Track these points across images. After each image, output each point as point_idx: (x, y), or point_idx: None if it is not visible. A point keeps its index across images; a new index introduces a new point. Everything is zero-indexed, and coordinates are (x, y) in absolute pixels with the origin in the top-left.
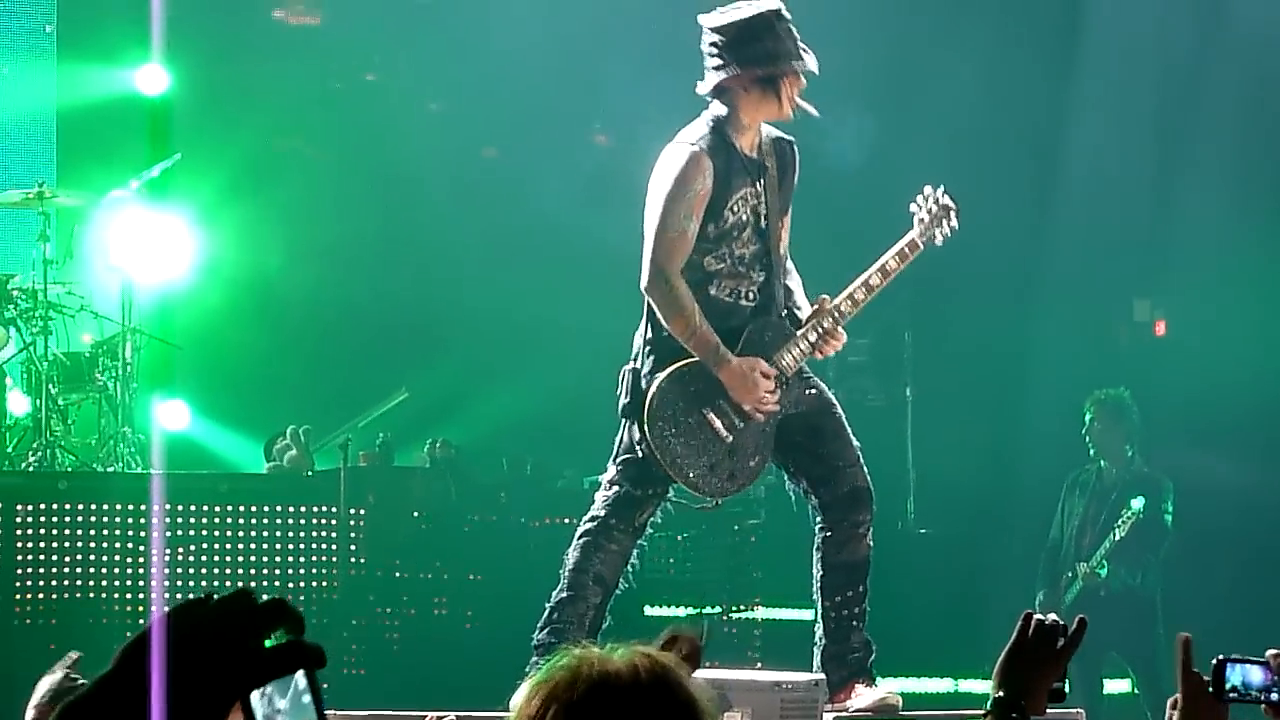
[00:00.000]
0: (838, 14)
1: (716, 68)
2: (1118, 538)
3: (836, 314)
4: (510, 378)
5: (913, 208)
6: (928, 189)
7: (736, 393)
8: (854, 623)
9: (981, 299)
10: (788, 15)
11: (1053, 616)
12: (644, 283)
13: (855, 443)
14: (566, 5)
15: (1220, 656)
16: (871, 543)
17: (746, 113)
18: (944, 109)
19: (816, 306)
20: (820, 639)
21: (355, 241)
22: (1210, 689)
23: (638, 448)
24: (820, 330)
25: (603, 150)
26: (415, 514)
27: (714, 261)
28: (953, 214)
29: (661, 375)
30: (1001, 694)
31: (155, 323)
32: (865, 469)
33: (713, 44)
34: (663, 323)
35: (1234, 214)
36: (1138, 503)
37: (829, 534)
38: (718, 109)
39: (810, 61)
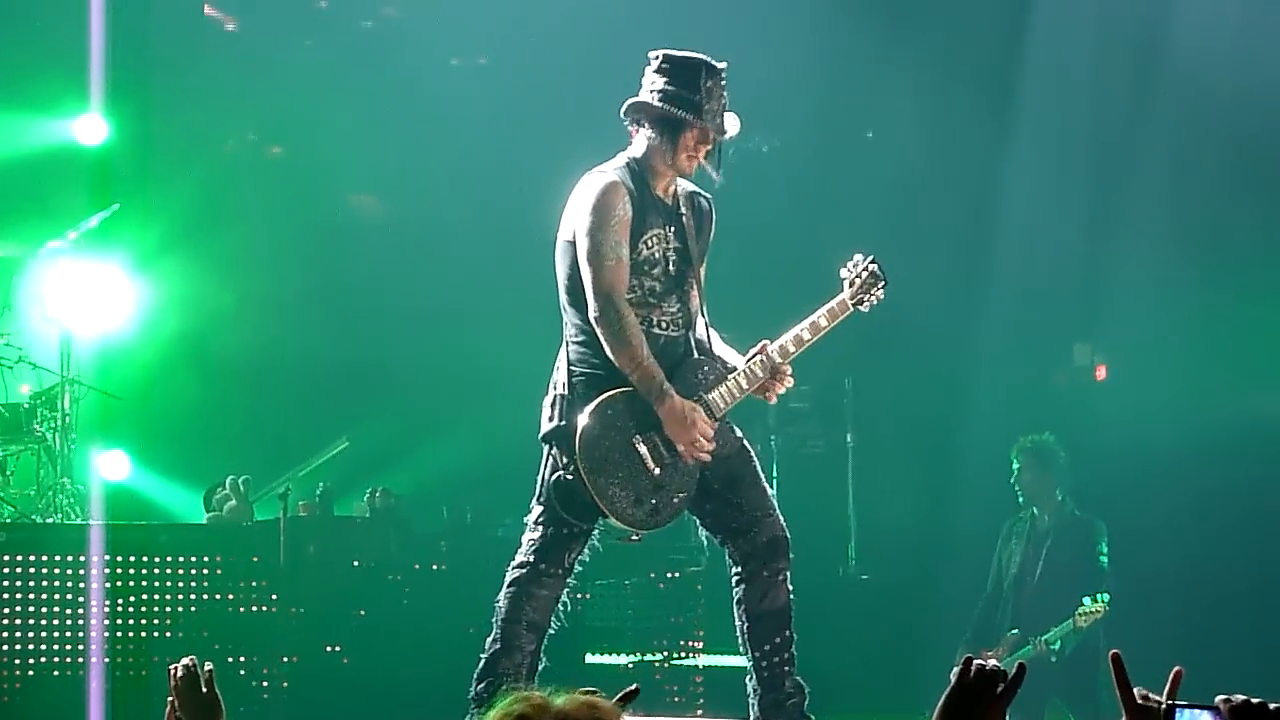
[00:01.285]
0: (776, 62)
1: (640, 93)
2: (1078, 626)
3: (767, 361)
4: (450, 426)
5: (843, 273)
6: (858, 256)
7: (672, 430)
8: (785, 669)
9: (922, 345)
10: (722, 75)
11: (993, 662)
12: (593, 314)
13: (770, 490)
14: (507, 58)
15: (1170, 702)
16: (791, 588)
17: (653, 155)
18: (882, 156)
19: (756, 350)
20: (754, 688)
21: (294, 291)
22: (1149, 701)
23: (565, 472)
24: (752, 375)
25: (540, 202)
26: (355, 563)
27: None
28: (880, 285)
29: (594, 401)
30: None
31: (94, 373)
32: (781, 516)
33: (647, 72)
34: (605, 352)
35: (1172, 258)
36: (1103, 598)
37: (748, 585)
38: (633, 151)
39: (729, 125)
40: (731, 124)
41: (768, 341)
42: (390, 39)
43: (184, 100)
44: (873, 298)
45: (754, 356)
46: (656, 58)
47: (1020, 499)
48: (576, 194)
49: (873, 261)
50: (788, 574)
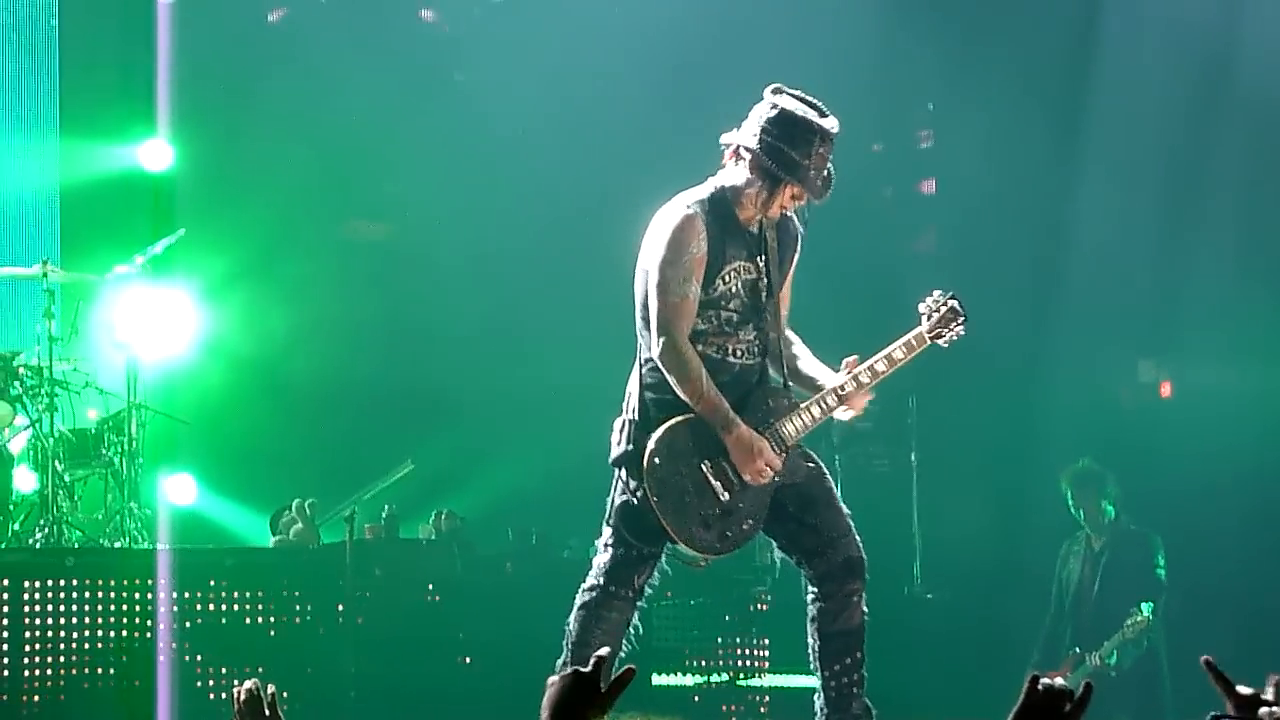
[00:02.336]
0: (847, 85)
1: (747, 133)
2: (1127, 638)
3: (840, 393)
4: (514, 448)
5: (921, 308)
6: (937, 293)
7: (738, 460)
8: (854, 690)
9: (986, 362)
10: (833, 140)
11: (1059, 680)
12: (656, 351)
13: (846, 510)
14: (575, 85)
15: (1213, 714)
16: (866, 609)
17: (743, 194)
18: (951, 172)
19: (833, 382)
20: (822, 708)
21: (360, 315)
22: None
23: (633, 496)
24: (824, 405)
25: (601, 224)
26: (422, 585)
27: (700, 322)
28: (960, 320)
29: (663, 426)
30: None
31: (160, 398)
32: (858, 537)
33: (761, 112)
34: (668, 381)
35: (1239, 274)
36: (1147, 607)
37: (824, 605)
38: (726, 177)
39: (824, 193)
40: (827, 188)
41: (854, 360)
42: (453, 66)
43: (249, 126)
44: (952, 333)
45: (830, 388)
46: (774, 107)
47: (1083, 522)
48: (654, 223)
49: (952, 297)
50: (863, 595)
